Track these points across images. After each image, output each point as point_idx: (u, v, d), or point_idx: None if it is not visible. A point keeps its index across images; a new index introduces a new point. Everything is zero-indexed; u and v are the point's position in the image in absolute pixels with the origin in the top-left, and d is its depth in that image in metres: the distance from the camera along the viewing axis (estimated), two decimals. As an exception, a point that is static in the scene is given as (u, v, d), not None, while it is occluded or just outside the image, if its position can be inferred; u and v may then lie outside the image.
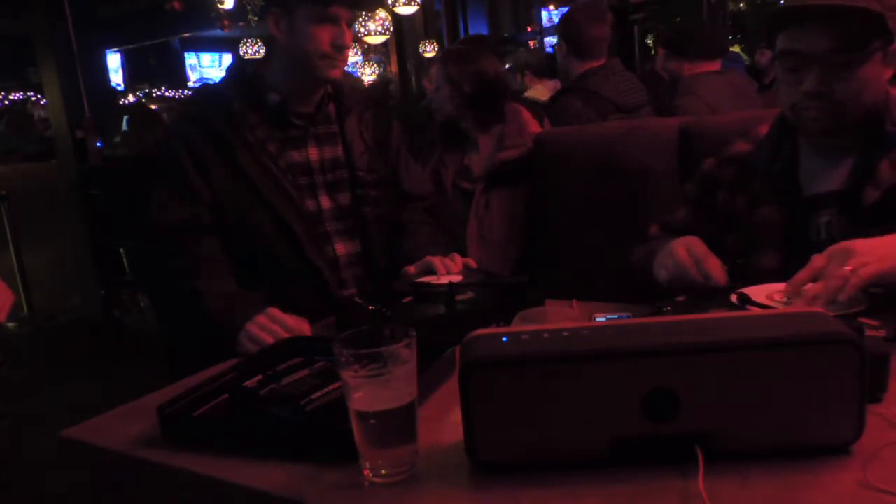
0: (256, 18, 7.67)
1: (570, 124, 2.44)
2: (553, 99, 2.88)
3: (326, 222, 1.63)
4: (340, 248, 1.64)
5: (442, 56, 2.38)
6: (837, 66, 1.24)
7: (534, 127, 2.32)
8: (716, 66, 2.86)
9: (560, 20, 2.80)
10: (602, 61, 2.62)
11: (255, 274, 1.52)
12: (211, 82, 2.08)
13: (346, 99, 1.69)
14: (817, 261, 1.09)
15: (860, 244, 1.08)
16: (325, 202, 1.64)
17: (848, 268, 1.04)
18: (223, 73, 1.73)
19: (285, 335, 1.29)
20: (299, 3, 1.51)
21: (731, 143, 1.50)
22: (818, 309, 0.84)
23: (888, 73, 1.27)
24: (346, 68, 1.64)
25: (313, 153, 1.64)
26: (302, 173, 1.61)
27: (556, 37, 2.81)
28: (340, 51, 1.54)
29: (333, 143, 1.67)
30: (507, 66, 4.61)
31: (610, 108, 2.51)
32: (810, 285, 1.07)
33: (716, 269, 1.27)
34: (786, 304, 1.10)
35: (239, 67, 1.67)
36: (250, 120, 1.56)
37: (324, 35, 1.52)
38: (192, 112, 1.62)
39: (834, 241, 1.26)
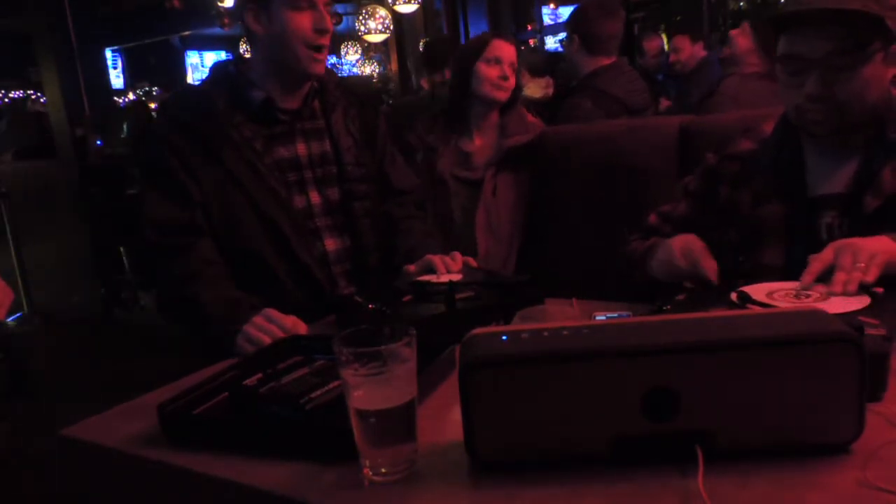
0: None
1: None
2: (559, 98, 2.87)
3: (316, 218, 1.63)
4: (330, 244, 1.63)
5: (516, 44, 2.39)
6: (838, 68, 1.24)
7: (530, 117, 2.37)
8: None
9: (572, 14, 2.72)
10: (612, 59, 2.59)
11: (247, 275, 1.51)
12: (193, 84, 2.05)
13: (329, 95, 1.68)
14: (826, 255, 1.10)
15: (859, 240, 1.11)
16: (315, 197, 1.63)
17: (861, 263, 1.06)
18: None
19: (282, 335, 1.29)
20: None
21: (734, 141, 1.50)
22: (819, 307, 0.84)
23: (889, 73, 1.27)
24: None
25: (301, 148, 1.63)
26: (291, 169, 1.61)
27: (566, 31, 2.75)
28: (322, 34, 1.53)
29: (320, 139, 1.66)
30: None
31: (619, 108, 2.47)
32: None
33: (711, 269, 1.27)
34: (798, 295, 1.11)
35: (222, 67, 1.65)
36: (235, 118, 1.55)
37: (303, 21, 1.51)
38: (173, 114, 1.59)
39: None
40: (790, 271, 1.16)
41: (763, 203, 1.39)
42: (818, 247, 1.21)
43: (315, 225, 1.62)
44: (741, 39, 2.98)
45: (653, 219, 1.58)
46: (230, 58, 1.69)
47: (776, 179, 1.39)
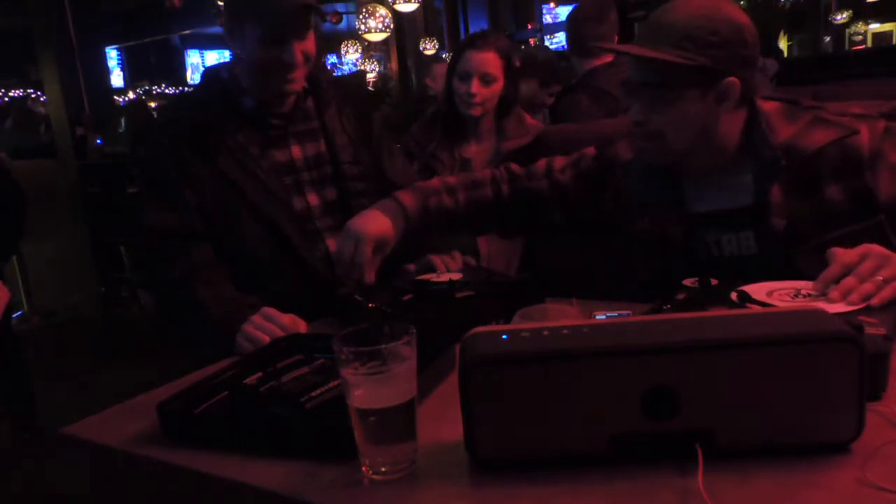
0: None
1: (578, 122, 2.40)
2: (557, 97, 2.87)
3: (316, 219, 1.62)
4: (332, 244, 1.62)
5: (510, 48, 2.37)
6: (651, 100, 1.29)
7: (530, 119, 2.36)
8: None
9: (567, 17, 2.82)
10: (608, 59, 2.59)
11: (248, 277, 1.50)
12: (188, 91, 2.02)
13: (323, 94, 1.67)
14: (848, 256, 1.06)
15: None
16: (314, 199, 1.63)
17: (880, 277, 1.03)
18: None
19: (281, 334, 1.29)
20: (247, 17, 1.47)
21: (617, 146, 1.50)
22: (819, 306, 0.84)
23: (724, 107, 1.28)
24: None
25: (296, 151, 1.63)
26: (287, 172, 1.60)
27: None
28: (291, 69, 1.50)
29: (315, 139, 1.66)
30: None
31: (616, 106, 2.46)
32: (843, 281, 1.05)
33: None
34: (797, 295, 1.09)
35: (213, 73, 1.64)
36: (229, 124, 1.55)
37: (270, 52, 1.48)
38: (172, 118, 1.60)
39: (735, 258, 1.33)
40: (667, 283, 1.18)
41: (639, 217, 1.42)
42: (703, 265, 1.26)
43: (316, 226, 1.61)
44: None
45: (515, 168, 1.57)
46: (222, 62, 1.68)
47: (653, 194, 1.41)
